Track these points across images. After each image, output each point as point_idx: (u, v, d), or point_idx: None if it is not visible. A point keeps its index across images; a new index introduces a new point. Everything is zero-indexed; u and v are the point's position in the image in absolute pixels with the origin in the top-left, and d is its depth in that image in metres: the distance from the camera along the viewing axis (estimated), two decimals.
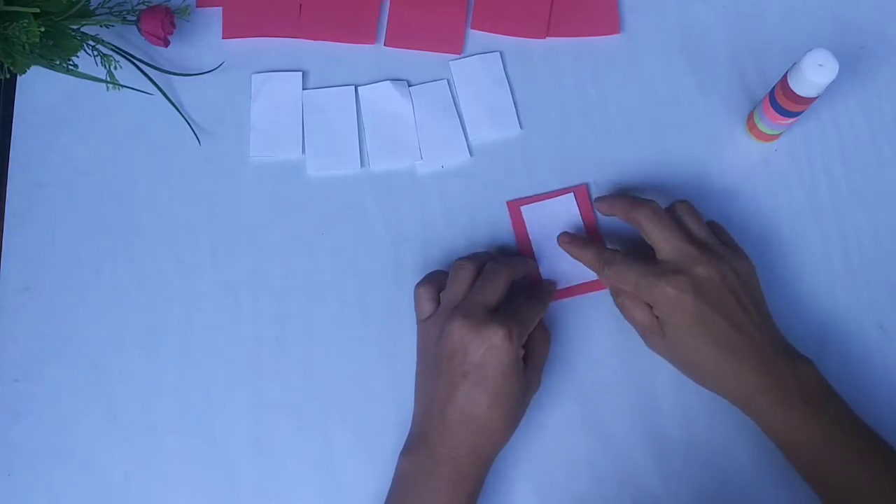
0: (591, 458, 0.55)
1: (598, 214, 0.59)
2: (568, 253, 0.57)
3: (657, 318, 0.52)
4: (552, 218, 0.59)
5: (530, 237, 0.59)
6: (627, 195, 0.56)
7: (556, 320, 0.57)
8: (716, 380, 0.51)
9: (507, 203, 0.60)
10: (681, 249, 0.51)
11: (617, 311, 0.55)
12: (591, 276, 0.57)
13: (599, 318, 0.57)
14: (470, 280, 0.52)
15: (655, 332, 0.52)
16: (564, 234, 0.57)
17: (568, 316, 0.58)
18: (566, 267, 0.58)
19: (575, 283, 0.58)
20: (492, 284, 0.52)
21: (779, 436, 0.50)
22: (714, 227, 0.55)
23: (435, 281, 0.54)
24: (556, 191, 0.60)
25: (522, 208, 0.59)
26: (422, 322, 0.53)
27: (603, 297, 0.57)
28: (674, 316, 0.50)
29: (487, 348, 0.49)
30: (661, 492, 0.54)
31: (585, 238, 0.57)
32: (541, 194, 0.60)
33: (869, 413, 0.55)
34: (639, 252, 0.54)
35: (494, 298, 0.51)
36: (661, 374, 0.56)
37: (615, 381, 0.56)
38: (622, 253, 0.54)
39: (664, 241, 0.52)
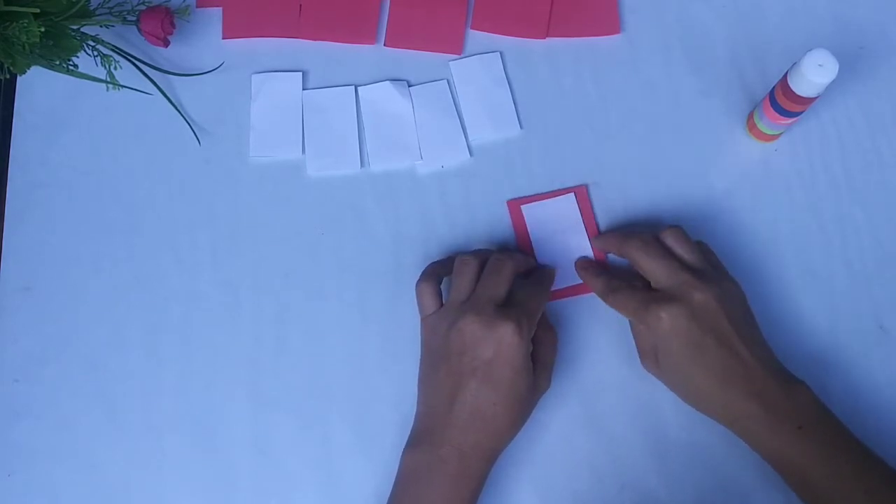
0: (592, 459, 0.55)
1: (598, 215, 0.59)
2: (581, 278, 0.58)
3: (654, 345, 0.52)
4: (552, 217, 0.59)
5: (531, 236, 0.59)
6: (619, 231, 0.58)
7: (557, 320, 0.57)
8: (708, 403, 0.51)
9: (508, 202, 0.60)
10: (674, 277, 0.51)
11: (618, 316, 0.55)
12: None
13: (601, 319, 0.57)
14: (475, 275, 0.53)
15: (651, 359, 0.53)
16: (582, 259, 0.58)
17: (569, 316, 0.58)
18: (566, 266, 0.58)
19: (576, 283, 0.58)
20: (498, 278, 0.52)
21: (771, 458, 0.50)
22: (702, 250, 0.55)
23: (435, 275, 0.55)
24: (556, 190, 0.60)
25: (523, 207, 0.59)
26: (426, 318, 0.54)
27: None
28: (668, 343, 0.50)
29: (498, 345, 0.49)
30: (661, 493, 0.54)
31: (599, 267, 0.58)
32: (541, 194, 0.60)
33: (869, 413, 0.55)
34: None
35: (502, 292, 0.51)
36: None
37: (616, 382, 0.56)
38: (627, 282, 0.54)
39: (657, 271, 0.52)
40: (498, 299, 0.51)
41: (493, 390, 0.49)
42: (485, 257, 0.54)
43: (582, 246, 0.59)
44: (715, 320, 0.50)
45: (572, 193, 0.60)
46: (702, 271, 0.52)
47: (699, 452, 0.55)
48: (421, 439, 0.51)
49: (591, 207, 0.60)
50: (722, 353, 0.49)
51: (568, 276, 0.58)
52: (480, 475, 0.50)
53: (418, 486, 0.50)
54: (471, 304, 0.51)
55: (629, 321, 0.55)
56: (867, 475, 0.48)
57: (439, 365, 0.51)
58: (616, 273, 0.57)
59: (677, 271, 0.51)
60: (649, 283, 0.53)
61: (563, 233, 0.59)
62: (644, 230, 0.57)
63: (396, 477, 0.51)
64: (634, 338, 0.54)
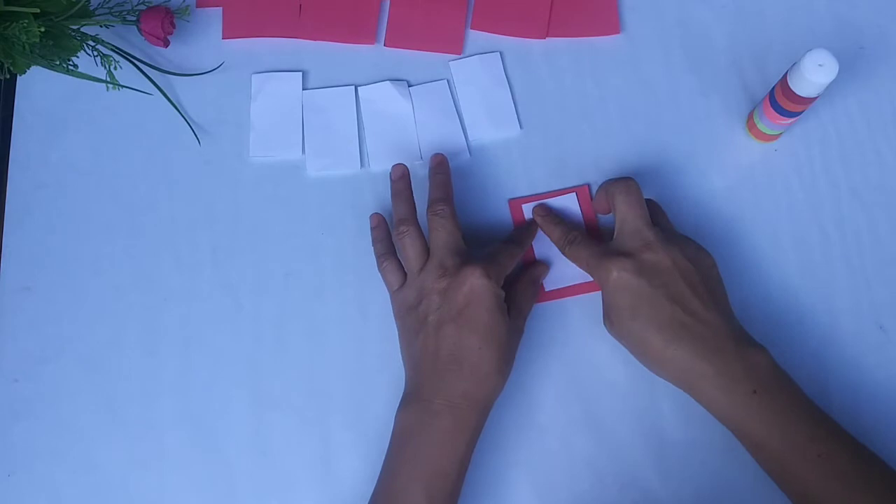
0: (592, 460, 0.55)
1: (600, 216, 0.59)
2: (539, 226, 0.58)
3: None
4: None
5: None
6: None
7: (557, 321, 0.57)
8: (661, 364, 0.51)
9: (509, 201, 0.60)
10: (637, 231, 0.51)
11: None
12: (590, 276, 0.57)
13: (601, 319, 0.57)
14: (419, 237, 0.54)
15: (606, 316, 0.53)
16: (540, 206, 0.58)
17: (569, 316, 0.58)
18: (566, 267, 0.58)
19: (574, 283, 0.58)
20: (444, 227, 0.53)
21: (727, 422, 0.49)
22: (655, 209, 0.56)
23: (391, 251, 0.56)
24: (558, 190, 0.60)
25: (524, 206, 0.59)
26: (395, 293, 0.54)
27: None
28: (615, 297, 0.51)
29: (469, 290, 0.50)
30: (661, 493, 0.54)
31: (558, 217, 0.58)
32: (542, 193, 0.60)
33: (869, 413, 0.55)
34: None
35: (456, 238, 0.53)
36: None
37: (616, 382, 0.56)
38: (585, 235, 0.55)
39: (627, 219, 0.52)
40: (455, 247, 0.52)
41: (473, 333, 0.50)
42: (413, 216, 0.55)
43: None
44: (668, 278, 0.50)
45: (574, 193, 0.60)
46: (668, 236, 0.52)
47: (698, 452, 0.55)
48: (411, 398, 0.51)
49: (593, 208, 0.60)
50: (674, 310, 0.49)
51: (567, 277, 0.58)
52: (474, 425, 0.50)
53: (412, 442, 0.50)
54: (430, 265, 0.52)
55: None
56: (822, 441, 0.47)
57: (417, 328, 0.51)
58: (573, 226, 0.57)
59: (644, 227, 0.51)
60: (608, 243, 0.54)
61: None
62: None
63: (391, 438, 0.51)
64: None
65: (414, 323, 0.52)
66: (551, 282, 0.58)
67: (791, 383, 0.49)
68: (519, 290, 0.55)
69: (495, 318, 0.50)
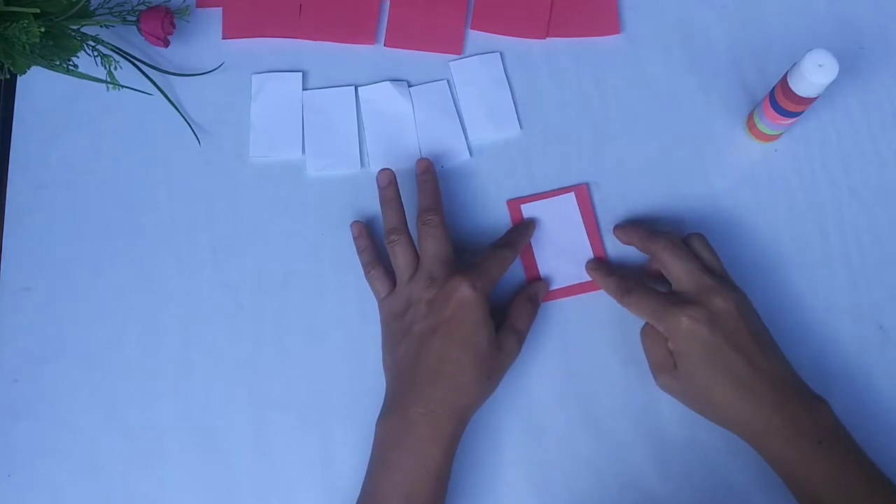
0: (592, 459, 0.55)
1: (598, 215, 0.59)
2: (592, 279, 0.57)
3: (671, 351, 0.51)
4: (552, 217, 0.59)
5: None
6: (645, 226, 0.57)
7: (557, 320, 0.57)
8: (727, 415, 0.50)
9: (508, 202, 0.60)
10: (698, 280, 0.51)
11: (618, 312, 0.55)
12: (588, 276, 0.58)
13: (601, 319, 0.57)
14: (409, 246, 0.54)
15: (667, 369, 0.51)
16: (593, 260, 0.58)
17: (569, 316, 0.58)
18: (564, 266, 0.58)
19: (574, 283, 0.58)
20: (434, 237, 0.53)
21: (787, 472, 0.49)
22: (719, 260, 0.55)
23: (378, 259, 0.56)
24: (556, 190, 0.60)
25: (522, 206, 0.59)
26: (383, 300, 0.55)
27: (602, 298, 0.57)
28: (687, 347, 0.50)
29: (455, 302, 0.50)
30: (661, 493, 0.54)
31: (611, 267, 0.57)
32: (541, 193, 0.60)
33: (869, 413, 0.55)
34: (658, 284, 0.54)
35: (446, 249, 0.53)
36: None
37: (616, 382, 0.56)
38: (643, 283, 0.54)
39: (682, 273, 0.51)
40: (444, 257, 0.52)
41: (453, 346, 0.50)
42: (403, 225, 0.55)
43: (581, 245, 0.59)
44: (735, 328, 0.49)
45: (572, 193, 0.60)
46: (723, 279, 0.52)
47: (699, 452, 0.55)
48: (390, 408, 0.51)
49: (592, 206, 0.60)
50: (742, 363, 0.48)
51: (565, 276, 0.58)
52: (451, 434, 0.50)
53: (391, 453, 0.50)
54: (419, 274, 0.52)
55: (641, 335, 0.54)
56: (880, 496, 0.47)
57: (401, 337, 0.52)
58: (627, 273, 0.56)
59: (701, 275, 0.51)
60: (662, 286, 0.53)
61: (562, 232, 0.59)
62: (665, 228, 0.57)
63: (372, 447, 0.51)
64: (646, 351, 0.53)
65: (398, 331, 0.52)
66: (551, 282, 0.58)
67: (851, 438, 0.49)
68: (515, 307, 0.55)
69: (478, 330, 0.50)
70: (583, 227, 0.59)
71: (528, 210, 0.59)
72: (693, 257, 0.52)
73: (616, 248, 0.59)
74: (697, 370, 0.50)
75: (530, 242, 0.59)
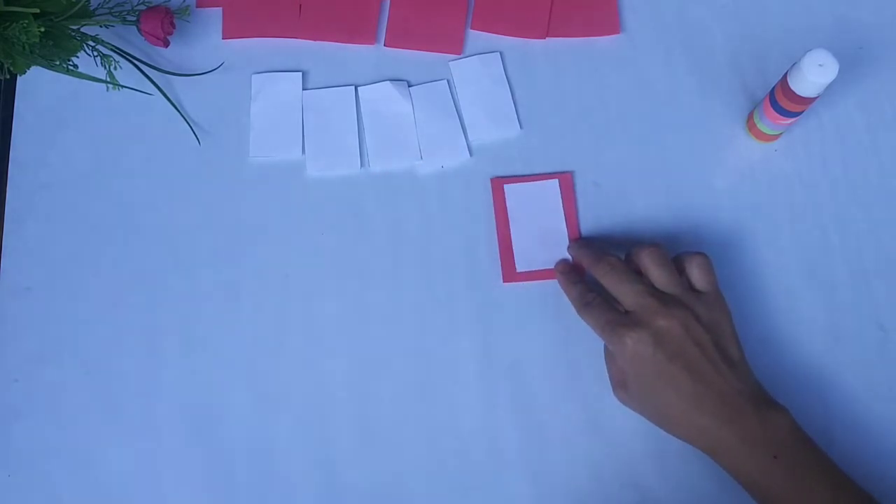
0: (592, 459, 0.55)
1: (581, 203, 0.60)
2: (558, 281, 0.57)
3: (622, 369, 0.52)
4: (533, 200, 0.60)
5: (509, 215, 0.59)
6: (594, 246, 0.56)
7: (557, 319, 0.57)
8: (681, 430, 0.50)
9: (491, 179, 0.60)
10: (641, 302, 0.50)
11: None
12: (563, 257, 0.58)
13: None
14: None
15: (621, 386, 0.52)
16: (562, 263, 0.58)
17: (569, 316, 0.58)
18: (539, 249, 0.58)
19: (548, 268, 0.58)
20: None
21: (747, 486, 0.49)
22: (696, 264, 0.53)
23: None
24: (540, 174, 0.60)
25: (506, 186, 0.60)
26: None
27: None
28: (633, 367, 0.50)
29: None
30: (661, 492, 0.54)
31: (577, 276, 0.57)
32: (525, 175, 0.60)
33: (869, 413, 0.55)
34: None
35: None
36: None
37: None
38: (602, 298, 0.53)
39: (624, 295, 0.51)
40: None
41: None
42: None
43: (558, 231, 0.59)
44: (681, 346, 0.49)
45: (557, 179, 0.60)
46: (674, 297, 0.51)
47: (698, 452, 0.54)
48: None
49: (574, 195, 0.60)
50: (691, 379, 0.48)
51: (540, 260, 0.58)
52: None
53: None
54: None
55: (604, 349, 0.54)
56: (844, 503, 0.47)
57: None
58: (592, 284, 0.55)
59: (643, 295, 0.50)
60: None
61: (542, 216, 0.59)
62: (624, 241, 0.58)
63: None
64: (606, 365, 0.54)
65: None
66: (526, 264, 0.58)
67: (813, 446, 0.49)
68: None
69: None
70: (562, 214, 0.59)
71: (510, 191, 0.60)
72: (635, 278, 0.52)
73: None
74: (646, 388, 0.50)
75: (508, 221, 0.59)
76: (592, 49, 0.64)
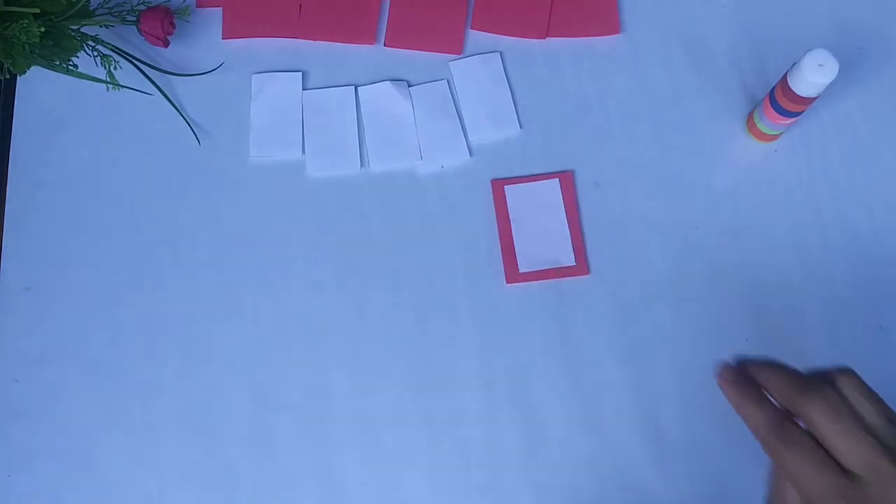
0: (592, 459, 0.55)
1: (581, 203, 0.59)
2: (726, 396, 0.41)
3: None
4: (534, 200, 0.60)
5: (510, 216, 0.59)
6: (789, 370, 0.41)
7: (557, 319, 0.57)
8: None
9: (492, 181, 0.60)
10: (873, 465, 0.37)
11: (616, 315, 0.54)
12: (568, 260, 0.58)
13: (601, 318, 0.57)
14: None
15: None
16: (727, 369, 0.42)
17: (568, 315, 0.58)
18: (541, 249, 0.58)
19: (549, 268, 0.58)
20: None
21: None
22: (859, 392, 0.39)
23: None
24: (540, 174, 0.60)
25: (506, 188, 0.60)
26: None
27: (598, 290, 0.57)
28: None
29: None
30: (661, 493, 0.54)
31: (758, 391, 0.41)
32: (524, 176, 0.60)
33: None
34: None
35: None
36: (662, 373, 0.56)
37: (615, 381, 0.56)
38: (807, 434, 0.38)
39: (848, 450, 0.37)
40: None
41: None
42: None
43: (560, 231, 0.59)
44: None
45: (557, 179, 0.60)
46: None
47: (699, 452, 0.55)
48: None
49: (575, 194, 0.60)
50: None
51: (540, 260, 0.58)
52: None
53: None
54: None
55: (774, 468, 0.41)
56: None
57: None
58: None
59: (877, 456, 0.37)
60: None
61: (544, 216, 0.59)
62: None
63: None
64: (776, 493, 0.41)
65: None
66: (530, 264, 0.58)
67: None
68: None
69: None
70: (563, 213, 0.59)
71: (511, 192, 0.60)
72: (858, 425, 0.38)
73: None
74: None
75: (510, 222, 0.59)
76: (592, 49, 0.64)
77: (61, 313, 0.58)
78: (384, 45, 0.64)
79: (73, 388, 0.57)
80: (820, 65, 0.51)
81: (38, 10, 0.54)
